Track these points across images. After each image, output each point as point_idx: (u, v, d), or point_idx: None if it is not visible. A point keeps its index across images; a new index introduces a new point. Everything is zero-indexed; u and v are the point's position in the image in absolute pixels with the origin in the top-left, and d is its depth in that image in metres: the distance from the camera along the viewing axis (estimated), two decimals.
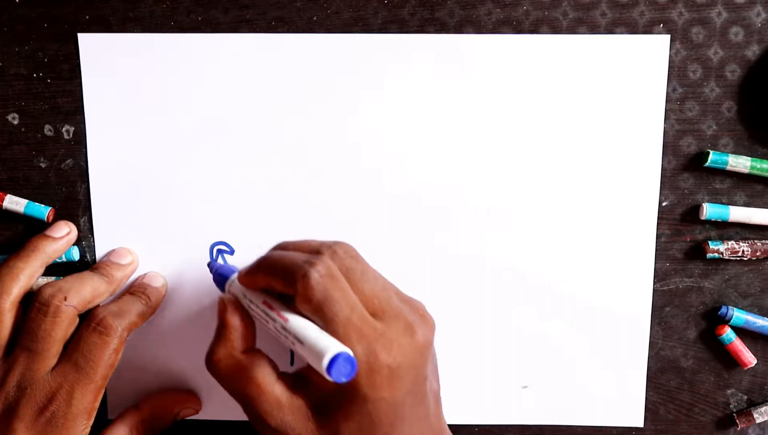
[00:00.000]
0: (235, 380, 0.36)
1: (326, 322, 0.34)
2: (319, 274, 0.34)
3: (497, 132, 0.43)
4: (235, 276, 0.39)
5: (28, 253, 0.42)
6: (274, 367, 0.37)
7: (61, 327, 0.40)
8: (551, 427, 0.46)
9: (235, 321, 0.37)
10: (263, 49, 0.43)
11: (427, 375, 0.36)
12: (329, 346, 0.32)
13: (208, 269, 0.43)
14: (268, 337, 0.39)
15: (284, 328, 0.34)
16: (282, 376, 0.36)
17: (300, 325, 0.34)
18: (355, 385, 0.34)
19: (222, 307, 0.37)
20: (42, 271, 0.42)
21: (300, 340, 0.33)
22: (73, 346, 0.40)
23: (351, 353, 0.32)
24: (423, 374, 0.36)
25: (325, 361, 0.31)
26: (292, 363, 0.45)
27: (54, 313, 0.39)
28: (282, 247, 0.38)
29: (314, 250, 0.36)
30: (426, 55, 0.43)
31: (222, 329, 0.37)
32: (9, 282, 0.41)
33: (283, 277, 0.35)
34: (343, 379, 0.32)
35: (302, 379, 0.37)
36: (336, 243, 0.36)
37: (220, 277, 0.40)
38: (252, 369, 0.36)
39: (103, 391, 0.41)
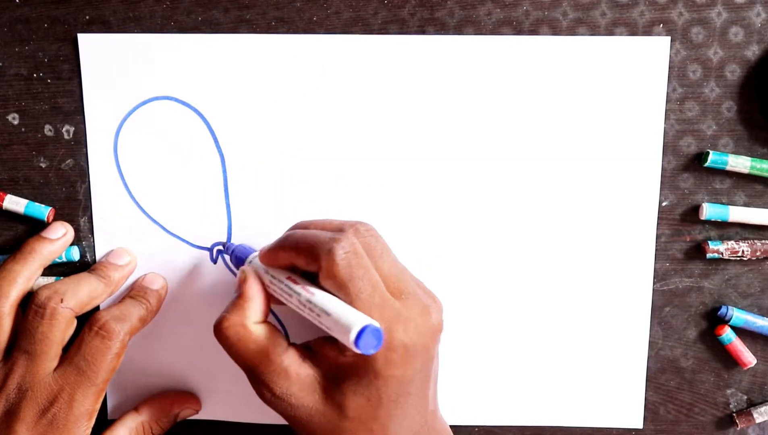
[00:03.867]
0: (242, 348, 0.36)
1: (350, 299, 0.34)
2: (344, 251, 0.34)
3: (497, 133, 0.43)
4: (255, 254, 0.40)
5: (24, 255, 0.42)
6: (284, 338, 0.37)
7: (59, 329, 0.40)
8: (551, 428, 0.46)
9: (254, 293, 0.37)
10: (263, 50, 0.43)
11: (434, 357, 0.37)
12: (358, 318, 0.33)
13: (211, 262, 0.43)
14: None
15: (309, 301, 0.35)
16: (292, 347, 0.37)
17: (326, 298, 0.34)
18: (370, 361, 0.34)
19: (243, 278, 0.38)
20: (40, 272, 0.42)
21: (327, 312, 0.34)
22: (74, 349, 0.40)
23: (378, 326, 0.32)
24: (432, 355, 0.37)
25: (354, 333, 0.32)
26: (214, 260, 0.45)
27: (50, 315, 0.39)
28: (302, 226, 0.39)
29: (336, 228, 0.36)
30: (426, 55, 0.43)
31: (240, 299, 0.37)
32: (6, 285, 0.41)
33: (307, 254, 0.35)
34: (372, 351, 0.32)
35: (312, 351, 0.37)
36: (357, 222, 0.37)
37: (238, 257, 0.41)
38: (263, 340, 0.36)
39: (104, 393, 0.41)
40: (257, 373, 0.36)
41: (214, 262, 0.44)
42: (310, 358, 0.37)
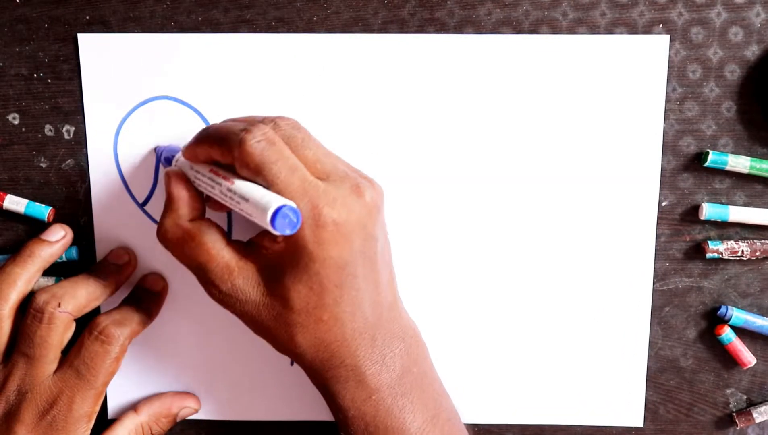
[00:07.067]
0: (184, 248, 0.37)
1: (268, 185, 0.34)
2: (255, 140, 0.34)
3: (497, 132, 0.43)
4: (180, 153, 0.40)
5: (24, 258, 0.42)
6: (223, 234, 0.37)
7: (57, 333, 0.40)
8: (551, 427, 0.46)
9: (179, 191, 0.37)
10: (263, 50, 0.43)
11: (377, 237, 0.36)
12: (272, 199, 0.32)
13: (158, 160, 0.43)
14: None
15: (230, 190, 0.35)
16: (231, 243, 0.37)
17: (245, 185, 0.34)
18: (302, 243, 0.34)
19: (167, 180, 0.38)
20: (39, 275, 0.42)
21: (245, 198, 0.34)
22: (74, 353, 0.40)
23: (294, 205, 0.32)
24: (373, 235, 0.36)
25: (269, 213, 0.32)
26: (292, 363, 0.45)
27: (48, 319, 0.39)
28: (225, 120, 0.38)
29: (255, 121, 0.36)
30: (426, 55, 0.43)
31: (168, 201, 0.37)
32: (6, 288, 0.41)
33: (221, 145, 0.35)
34: (288, 232, 0.32)
35: (252, 245, 0.37)
36: (278, 116, 0.36)
37: (167, 158, 0.41)
38: (200, 236, 0.36)
39: (103, 395, 0.41)
40: (202, 271, 0.36)
41: (161, 150, 0.43)
42: (251, 252, 0.37)
